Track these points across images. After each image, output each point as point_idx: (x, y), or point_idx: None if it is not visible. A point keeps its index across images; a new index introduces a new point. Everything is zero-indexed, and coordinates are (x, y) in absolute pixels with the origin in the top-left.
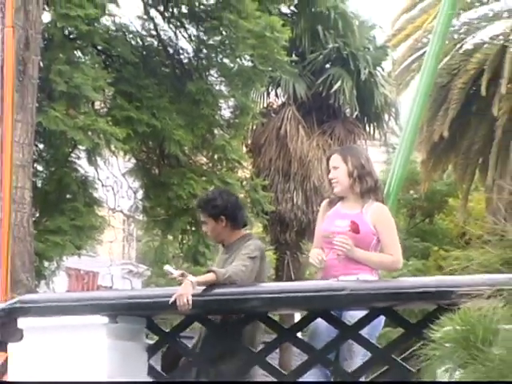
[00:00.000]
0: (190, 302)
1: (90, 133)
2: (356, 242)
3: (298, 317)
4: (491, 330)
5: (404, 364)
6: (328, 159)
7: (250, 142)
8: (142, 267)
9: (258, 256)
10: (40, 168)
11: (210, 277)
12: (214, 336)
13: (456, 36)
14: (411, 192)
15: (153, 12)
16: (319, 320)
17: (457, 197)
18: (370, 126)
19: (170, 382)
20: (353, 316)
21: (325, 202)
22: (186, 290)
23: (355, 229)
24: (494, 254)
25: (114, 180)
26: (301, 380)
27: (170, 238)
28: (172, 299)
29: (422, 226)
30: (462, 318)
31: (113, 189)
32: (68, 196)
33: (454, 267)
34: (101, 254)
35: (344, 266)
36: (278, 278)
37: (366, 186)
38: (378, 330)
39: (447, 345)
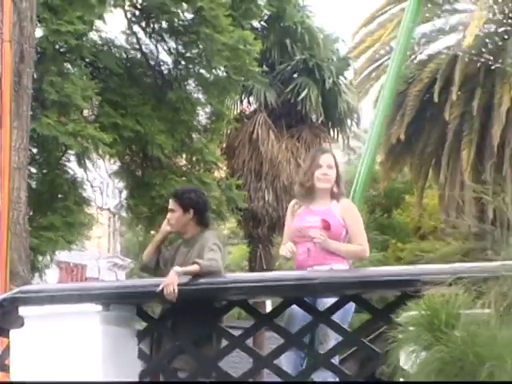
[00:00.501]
0: (176, 291)
1: (79, 138)
2: (328, 234)
3: (269, 304)
4: (453, 315)
5: (371, 346)
6: (320, 155)
7: (225, 145)
8: (126, 260)
9: (221, 246)
10: (34, 170)
11: (194, 268)
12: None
13: (413, 47)
14: (371, 190)
15: (136, 27)
16: (294, 306)
17: (412, 194)
18: (333, 131)
19: (170, 382)
20: (326, 303)
21: (293, 202)
22: (172, 279)
23: (326, 226)
24: (455, 246)
25: (101, 181)
26: (278, 364)
27: (153, 233)
28: (159, 288)
29: (381, 221)
30: (427, 304)
31: (100, 189)
32: (60, 195)
33: (418, 258)
34: (88, 248)
35: (319, 256)
36: (251, 269)
37: (342, 187)
38: (349, 315)
39: (413, 328)
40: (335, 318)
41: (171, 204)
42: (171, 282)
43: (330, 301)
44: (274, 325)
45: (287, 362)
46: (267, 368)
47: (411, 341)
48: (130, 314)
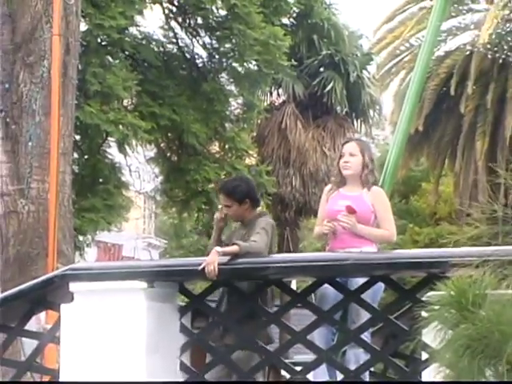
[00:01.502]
0: (217, 270)
1: (119, 126)
2: (358, 218)
3: (293, 284)
4: (480, 295)
5: (398, 323)
6: (344, 144)
7: (255, 134)
8: (160, 240)
9: (269, 231)
10: (77, 156)
11: (234, 248)
12: (237, 299)
13: None
14: None
15: (173, 23)
16: (326, 286)
17: (429, 181)
18: (357, 121)
19: (170, 382)
20: (357, 283)
21: (328, 186)
22: (213, 258)
23: (351, 211)
24: (483, 229)
25: (138, 166)
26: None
27: (185, 215)
28: (201, 267)
29: (400, 206)
30: (455, 284)
31: (138, 173)
32: (100, 180)
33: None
34: (125, 229)
35: (349, 240)
36: (279, 251)
37: (374, 177)
38: (378, 294)
39: (441, 307)
40: (365, 296)
41: (225, 200)
42: (212, 261)
43: (360, 281)
44: (308, 302)
45: (320, 337)
46: (301, 343)
47: (439, 319)
48: (173, 290)
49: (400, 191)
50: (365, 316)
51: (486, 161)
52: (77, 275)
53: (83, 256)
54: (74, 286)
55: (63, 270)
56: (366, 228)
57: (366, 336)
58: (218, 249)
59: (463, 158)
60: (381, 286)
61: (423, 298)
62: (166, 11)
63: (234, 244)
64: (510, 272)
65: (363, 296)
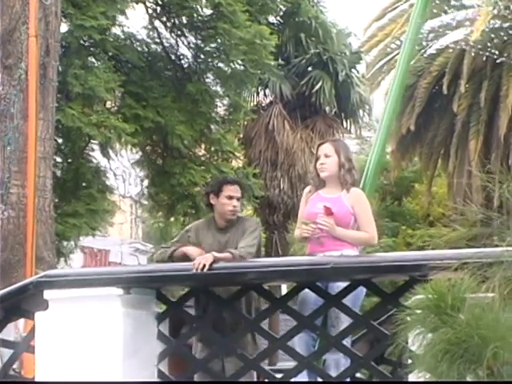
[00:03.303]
0: (207, 267)
1: (102, 128)
2: (337, 221)
3: (284, 288)
4: (459, 298)
5: (380, 328)
6: (319, 146)
7: (242, 135)
8: (147, 245)
9: (258, 234)
10: (59, 160)
11: (226, 255)
12: (216, 305)
13: (422, 42)
14: (382, 179)
15: (157, 22)
16: (307, 291)
17: (422, 182)
18: (346, 121)
19: (175, 382)
20: (338, 287)
21: (307, 188)
22: (208, 258)
23: (328, 212)
24: (461, 232)
25: (123, 170)
26: (291, 345)
27: (172, 220)
28: (195, 262)
29: (392, 208)
30: (434, 288)
31: (122, 177)
32: (83, 184)
33: (425, 244)
34: (111, 234)
35: (329, 243)
36: (268, 255)
37: (353, 177)
38: (360, 299)
39: (420, 311)
40: (346, 301)
41: (238, 192)
42: (206, 260)
43: (341, 285)
44: (288, 308)
45: (300, 343)
46: (281, 349)
47: (418, 323)
48: (150, 297)
49: (392, 193)
50: (345, 320)
51: (480, 161)
52: (52, 282)
53: (68, 263)
54: (48, 294)
55: (38, 277)
56: (345, 230)
57: (346, 341)
58: (216, 254)
59: (456, 157)
60: (362, 290)
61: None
62: (150, 10)
63: (227, 252)
64: (489, 275)
65: (344, 301)
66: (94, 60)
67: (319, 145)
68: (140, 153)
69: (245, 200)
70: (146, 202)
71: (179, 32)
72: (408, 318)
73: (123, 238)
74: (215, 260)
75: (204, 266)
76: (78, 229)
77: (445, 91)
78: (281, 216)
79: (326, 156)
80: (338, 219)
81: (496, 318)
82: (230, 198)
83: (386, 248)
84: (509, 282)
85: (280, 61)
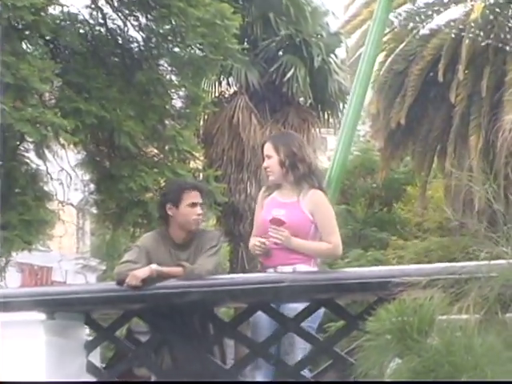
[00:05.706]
0: (138, 283)
1: (37, 125)
2: (293, 231)
3: None
4: (427, 321)
5: (345, 356)
6: (262, 147)
7: (201, 132)
8: (96, 261)
9: (219, 249)
10: None
11: (175, 270)
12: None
13: (411, 22)
14: (369, 181)
15: (101, 1)
16: (260, 313)
17: (415, 185)
18: (324, 114)
19: (170, 382)
20: (291, 309)
21: (262, 190)
22: (143, 272)
23: (278, 222)
24: (432, 242)
25: (64, 173)
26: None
27: (120, 231)
28: (128, 278)
29: (381, 216)
30: (398, 309)
31: (62, 182)
32: (16, 190)
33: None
34: (55, 249)
35: (282, 255)
36: (232, 270)
37: (298, 173)
38: (317, 321)
39: (381, 336)
40: (303, 325)
41: (202, 199)
42: (140, 275)
43: (295, 306)
44: (237, 334)
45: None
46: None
47: (382, 349)
48: (78, 322)
49: (381, 197)
50: (300, 345)
51: (482, 159)
52: None
53: (2, 282)
54: None
55: None
56: (303, 242)
57: (304, 372)
58: (155, 266)
59: (455, 156)
60: (321, 310)
61: None
62: None
63: (179, 265)
64: (463, 292)
65: (303, 324)
66: (27, 45)
67: (262, 145)
68: (82, 153)
69: (205, 207)
70: (92, 211)
71: (127, 11)
72: (370, 344)
73: (67, 252)
74: (161, 275)
75: (137, 279)
76: (9, 243)
77: (440, 79)
78: (247, 225)
79: (268, 157)
80: (295, 229)
81: (470, 343)
82: (193, 205)
83: (373, 262)
84: (486, 300)
85: (245, 44)
